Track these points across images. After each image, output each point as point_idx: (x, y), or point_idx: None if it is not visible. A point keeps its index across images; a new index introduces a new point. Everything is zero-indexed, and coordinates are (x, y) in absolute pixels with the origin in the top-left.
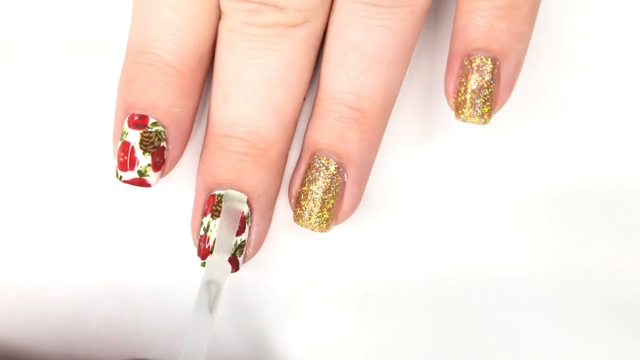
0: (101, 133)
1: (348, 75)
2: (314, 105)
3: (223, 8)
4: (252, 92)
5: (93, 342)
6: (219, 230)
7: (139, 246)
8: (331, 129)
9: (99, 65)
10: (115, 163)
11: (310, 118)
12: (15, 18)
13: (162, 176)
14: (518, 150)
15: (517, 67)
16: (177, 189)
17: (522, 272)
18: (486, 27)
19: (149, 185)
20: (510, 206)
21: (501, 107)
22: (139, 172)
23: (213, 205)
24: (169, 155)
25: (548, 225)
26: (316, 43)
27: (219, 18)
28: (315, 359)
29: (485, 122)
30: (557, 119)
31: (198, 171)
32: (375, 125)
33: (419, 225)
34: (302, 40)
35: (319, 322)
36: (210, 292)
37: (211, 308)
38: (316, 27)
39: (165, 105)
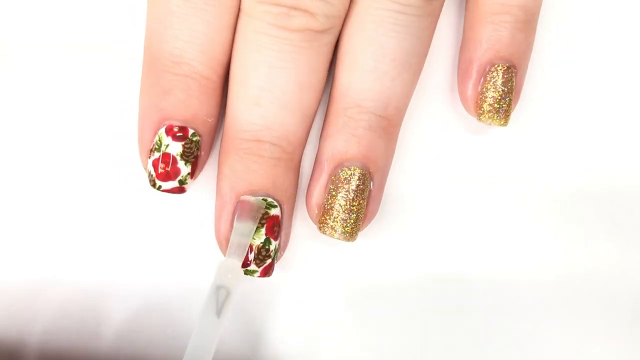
0: (102, 132)
1: (379, 82)
2: (334, 114)
3: (246, 9)
4: (285, 97)
5: (91, 342)
6: (235, 235)
7: (140, 247)
8: (360, 139)
9: (99, 65)
10: (151, 172)
11: (329, 126)
12: (15, 18)
13: (194, 181)
14: (518, 152)
15: (525, 74)
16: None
17: (523, 273)
18: (509, 39)
19: (184, 192)
20: (510, 207)
21: (513, 110)
22: (180, 182)
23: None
24: (201, 160)
25: (549, 225)
26: (332, 49)
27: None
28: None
29: (505, 124)
30: (557, 120)
31: (224, 176)
32: (396, 132)
33: (417, 225)
34: (326, 46)
35: (317, 322)
36: (219, 296)
37: (219, 313)
38: (336, 34)
39: (203, 115)
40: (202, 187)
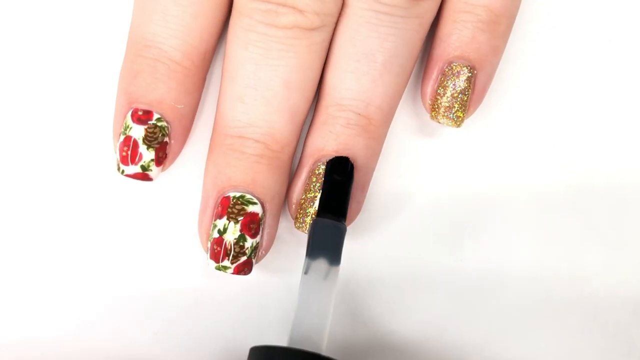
0: (97, 128)
1: (358, 82)
2: (317, 112)
3: (238, 6)
4: (270, 94)
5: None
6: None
7: (133, 244)
8: (338, 136)
9: (97, 61)
10: (117, 156)
11: (312, 124)
12: (15, 18)
13: (162, 170)
14: (513, 153)
15: (490, 78)
16: (171, 186)
17: (517, 271)
18: (469, 38)
19: (150, 180)
20: (506, 206)
21: (472, 113)
22: (142, 167)
23: (229, 208)
24: (171, 150)
25: (545, 224)
26: (327, 47)
27: (225, 15)
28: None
29: (458, 126)
30: (554, 121)
31: (207, 172)
32: (379, 133)
33: (414, 227)
34: (318, 44)
35: None
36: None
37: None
38: (329, 32)
39: (170, 101)
40: (192, 183)
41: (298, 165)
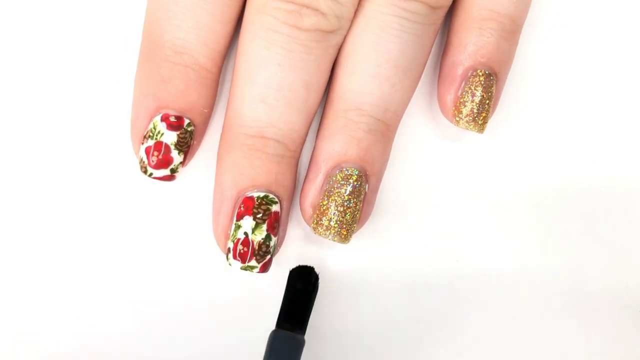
0: (106, 129)
1: (380, 86)
2: (332, 115)
3: (257, 6)
4: (292, 95)
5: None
6: None
7: (130, 242)
8: (360, 141)
9: (99, 63)
10: (143, 159)
11: (327, 127)
12: (15, 18)
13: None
14: (512, 155)
15: (504, 83)
16: (174, 186)
17: (516, 273)
18: (494, 45)
19: (174, 179)
20: (505, 208)
21: (491, 117)
22: (172, 170)
23: (254, 208)
24: (192, 149)
25: (543, 226)
26: (338, 50)
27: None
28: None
29: (481, 131)
30: (551, 123)
31: (225, 171)
32: (392, 137)
33: (412, 227)
34: (333, 47)
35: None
36: None
37: None
38: (343, 35)
39: (200, 107)
40: (197, 182)
41: (312, 169)
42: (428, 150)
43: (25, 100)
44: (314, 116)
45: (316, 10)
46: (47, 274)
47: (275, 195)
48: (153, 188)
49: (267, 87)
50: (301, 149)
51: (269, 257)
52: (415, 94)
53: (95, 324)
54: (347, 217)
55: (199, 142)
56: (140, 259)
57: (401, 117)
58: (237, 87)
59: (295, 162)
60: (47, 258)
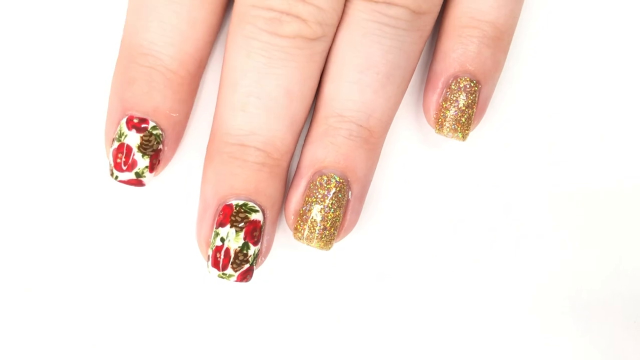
0: (90, 131)
1: (361, 93)
2: (316, 122)
3: (239, 13)
4: (272, 103)
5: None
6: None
7: (122, 249)
8: (339, 147)
9: (89, 65)
10: (110, 162)
11: (311, 134)
12: (15, 18)
13: (155, 175)
14: (507, 157)
15: (492, 91)
16: (162, 191)
17: (515, 275)
18: (475, 53)
19: (143, 185)
20: (504, 209)
21: (475, 126)
22: (136, 174)
23: (232, 216)
24: (164, 156)
25: (542, 227)
26: (325, 57)
27: (220, 22)
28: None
29: (463, 139)
30: (551, 126)
31: (206, 179)
32: (378, 144)
33: (410, 228)
34: (318, 54)
35: (313, 326)
36: None
37: None
38: (329, 42)
39: (165, 109)
40: (186, 190)
41: (295, 176)
42: (427, 157)
43: (13, 102)
44: (302, 124)
45: (297, 17)
46: (42, 275)
47: (256, 203)
48: (153, 191)
49: (247, 95)
50: (288, 158)
51: (247, 265)
52: (412, 101)
53: (88, 325)
54: (328, 224)
55: (172, 149)
56: (140, 261)
57: (388, 124)
58: (221, 96)
59: (281, 170)
60: (40, 260)
